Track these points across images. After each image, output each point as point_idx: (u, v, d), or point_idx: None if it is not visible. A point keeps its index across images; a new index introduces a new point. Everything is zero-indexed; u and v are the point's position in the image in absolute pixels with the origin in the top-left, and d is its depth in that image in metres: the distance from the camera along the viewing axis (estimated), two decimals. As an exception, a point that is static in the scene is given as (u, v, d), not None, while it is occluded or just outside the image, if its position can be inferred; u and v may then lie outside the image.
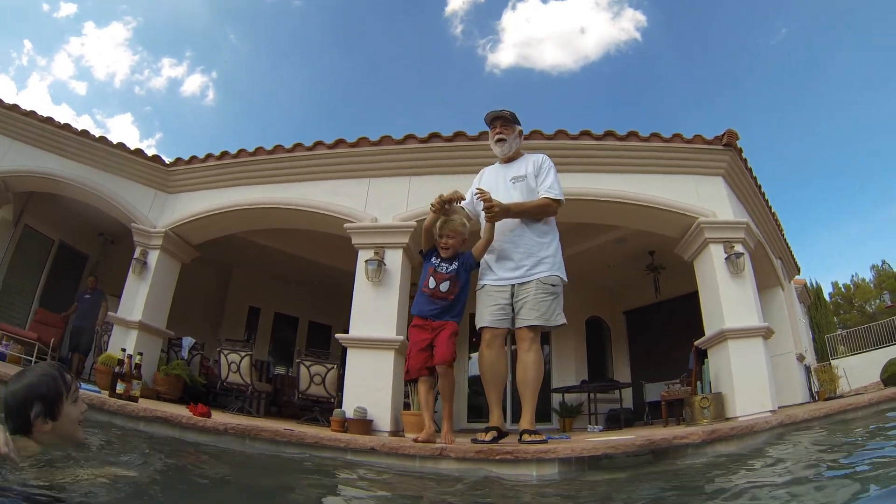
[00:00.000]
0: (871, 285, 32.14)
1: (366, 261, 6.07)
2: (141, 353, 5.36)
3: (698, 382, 6.48)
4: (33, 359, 7.45)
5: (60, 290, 9.49)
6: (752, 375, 5.66)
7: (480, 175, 4.11)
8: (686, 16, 66.13)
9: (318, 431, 3.54)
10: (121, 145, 8.01)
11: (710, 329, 6.18)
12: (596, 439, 3.30)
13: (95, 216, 8.98)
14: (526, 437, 3.22)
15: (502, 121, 3.87)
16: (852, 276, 34.18)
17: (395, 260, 6.18)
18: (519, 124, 3.93)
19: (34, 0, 65.40)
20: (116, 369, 4.47)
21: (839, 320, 28.70)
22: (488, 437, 3.28)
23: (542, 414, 10.04)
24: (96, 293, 8.88)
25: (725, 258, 6.06)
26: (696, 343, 6.51)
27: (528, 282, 3.48)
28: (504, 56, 70.42)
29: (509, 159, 3.92)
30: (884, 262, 31.84)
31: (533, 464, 2.63)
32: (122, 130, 77.63)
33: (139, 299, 7.44)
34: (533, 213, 3.57)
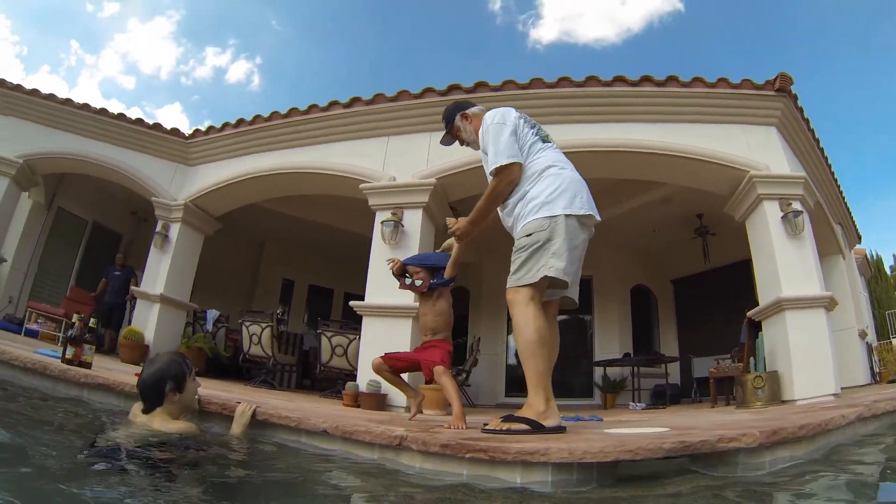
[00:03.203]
0: (940, 257, 29.98)
1: (382, 222, 5.75)
2: (95, 317, 5.02)
3: (751, 358, 5.91)
4: (60, 334, 7.52)
5: (97, 269, 9.56)
6: (813, 352, 5.03)
7: None
8: (731, -18, 62.87)
9: (282, 404, 3.00)
10: (139, 121, 8.02)
11: (764, 298, 5.59)
12: (618, 431, 2.61)
13: (127, 196, 9.06)
14: (491, 424, 2.54)
15: (448, 136, 3.35)
16: (918, 247, 31.93)
17: (414, 220, 5.83)
18: (454, 118, 3.27)
19: (78, 1, 67.20)
20: (68, 333, 4.11)
21: (901, 296, 26.91)
22: (495, 424, 2.55)
23: (584, 388, 9.67)
24: (126, 269, 8.97)
25: (782, 217, 5.45)
26: (749, 314, 5.92)
27: None
28: (546, 32, 68.88)
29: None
30: (953, 234, 29.59)
31: (516, 468, 1.88)
32: (172, 119, 79.88)
33: (161, 273, 7.43)
34: (489, 206, 2.95)
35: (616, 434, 2.44)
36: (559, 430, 2.50)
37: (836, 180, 8.06)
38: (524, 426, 2.45)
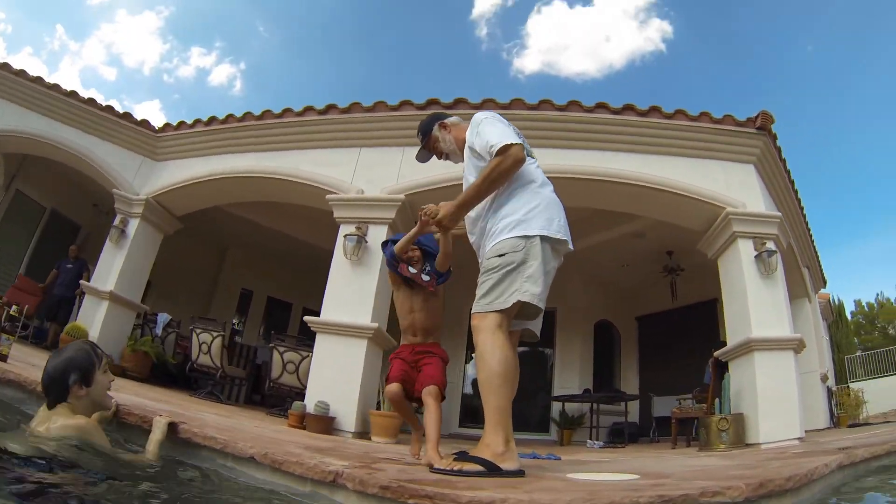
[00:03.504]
0: (897, 305, 30.65)
1: (345, 236, 5.51)
2: (18, 304, 4.59)
3: (716, 400, 5.79)
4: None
5: (51, 259, 9.12)
6: (781, 394, 4.92)
7: None
8: (712, 29, 65.15)
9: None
10: (109, 108, 7.72)
11: (733, 338, 5.48)
12: (583, 478, 2.32)
13: (90, 186, 8.74)
14: (443, 462, 2.28)
15: (425, 150, 3.09)
16: (877, 294, 32.50)
17: (378, 237, 5.58)
18: (432, 128, 3.03)
19: (69, -15, 66.22)
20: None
21: (859, 341, 27.41)
22: (445, 463, 2.28)
23: (541, 423, 9.45)
24: (79, 262, 8.57)
25: (755, 256, 5.37)
26: (716, 354, 5.80)
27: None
28: (529, 62, 70.12)
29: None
30: (913, 283, 30.40)
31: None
32: (150, 116, 78.84)
33: (114, 269, 7.08)
34: (486, 188, 2.61)
35: (583, 482, 2.19)
36: (518, 474, 2.23)
37: (807, 223, 8.10)
38: (479, 468, 2.18)
